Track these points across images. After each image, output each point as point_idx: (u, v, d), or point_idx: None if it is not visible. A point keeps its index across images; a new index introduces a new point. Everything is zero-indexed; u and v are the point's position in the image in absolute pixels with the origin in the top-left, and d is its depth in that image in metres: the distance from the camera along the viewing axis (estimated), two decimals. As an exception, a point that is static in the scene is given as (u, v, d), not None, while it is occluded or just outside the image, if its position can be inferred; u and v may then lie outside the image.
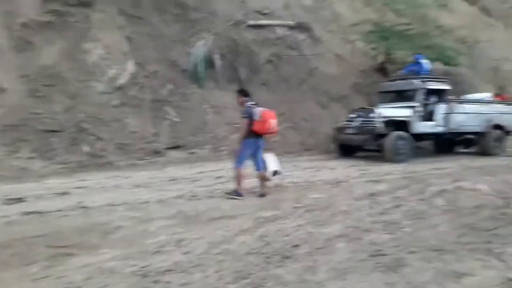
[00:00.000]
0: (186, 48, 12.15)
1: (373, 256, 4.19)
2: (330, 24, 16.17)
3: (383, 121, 10.05)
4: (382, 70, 15.03)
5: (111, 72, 10.91)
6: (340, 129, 11.05)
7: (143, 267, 3.99)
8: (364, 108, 11.19)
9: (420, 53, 12.87)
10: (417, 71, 12.16)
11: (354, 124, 10.64)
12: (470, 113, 11.52)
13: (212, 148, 10.42)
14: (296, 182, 7.34)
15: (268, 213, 5.71)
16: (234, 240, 4.73)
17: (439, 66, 15.30)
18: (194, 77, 11.96)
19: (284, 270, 3.88)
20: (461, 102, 11.65)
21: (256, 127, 6.29)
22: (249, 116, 6.27)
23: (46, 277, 3.85)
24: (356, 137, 10.52)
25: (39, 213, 5.26)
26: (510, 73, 16.83)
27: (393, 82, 11.80)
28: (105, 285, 3.63)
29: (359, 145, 10.72)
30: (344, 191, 6.83)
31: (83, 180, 7.56)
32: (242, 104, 6.51)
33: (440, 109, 11.04)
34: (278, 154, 11.04)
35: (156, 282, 3.66)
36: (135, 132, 10.24)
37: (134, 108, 10.70)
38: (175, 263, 4.06)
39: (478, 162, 10.10)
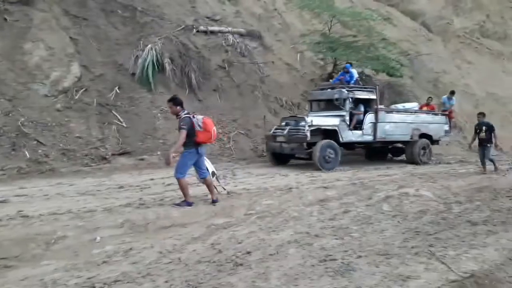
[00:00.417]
0: (134, 52, 11.87)
1: (323, 261, 4.27)
2: (280, 34, 16.46)
3: (311, 129, 10.07)
4: (330, 79, 15.45)
5: (55, 74, 10.44)
6: (271, 137, 10.92)
7: (88, 278, 3.82)
8: (295, 116, 11.23)
9: (350, 63, 13.31)
10: (346, 80, 12.52)
11: (283, 132, 10.48)
12: (398, 122, 11.76)
13: (162, 155, 10.20)
14: (248, 189, 7.34)
15: (220, 220, 5.67)
16: (185, 249, 4.65)
17: (384, 77, 16.03)
18: (143, 81, 11.69)
19: (236, 278, 3.86)
20: (389, 112, 11.90)
21: (201, 138, 6.07)
22: (189, 127, 5.96)
23: (-19, 292, 3.59)
24: (285, 146, 10.42)
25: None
26: (448, 85, 17.89)
27: (323, 91, 11.88)
28: (48, 299, 3.43)
29: (289, 153, 10.66)
30: (295, 197, 6.92)
31: (24, 188, 7.13)
32: (176, 114, 6.12)
33: (368, 118, 11.14)
34: (230, 161, 11.11)
35: (103, 294, 3.51)
36: (80, 137, 9.83)
37: (79, 112, 10.29)
38: (123, 274, 3.91)
39: (421, 169, 10.62)
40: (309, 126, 10.09)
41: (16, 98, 9.59)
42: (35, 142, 9.13)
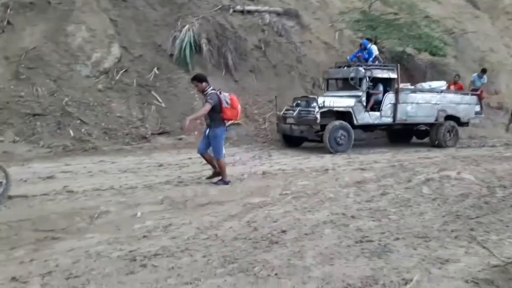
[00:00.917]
0: (171, 32, 11.98)
1: (359, 242, 4.24)
2: (318, 12, 16.11)
3: (322, 111, 9.59)
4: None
5: (96, 55, 10.73)
6: (281, 119, 10.50)
7: (130, 251, 3.98)
8: (307, 96, 10.66)
9: (370, 39, 12.41)
10: (364, 58, 11.57)
11: (293, 114, 10.04)
12: (421, 103, 11.01)
13: (199, 134, 10.35)
14: (283, 170, 7.36)
15: (256, 200, 5.73)
16: (222, 226, 4.74)
17: (426, 56, 15.44)
18: (181, 62, 11.82)
19: (272, 255, 3.91)
20: (411, 92, 11.13)
21: (228, 114, 6.03)
22: (217, 103, 5.94)
23: (32, 260, 3.82)
24: (295, 128, 10.03)
25: (24, 197, 5.17)
26: (495, 64, 17.05)
27: (339, 69, 11.18)
28: (92, 268, 3.61)
29: (299, 136, 10.20)
30: (331, 178, 6.88)
31: (69, 165, 7.46)
32: (203, 91, 6.10)
33: (387, 99, 10.48)
34: (266, 142, 11.13)
35: (143, 266, 3.65)
36: (121, 117, 10.12)
37: (120, 93, 10.56)
38: (162, 248, 4.05)
39: (464, 152, 10.26)
40: (320, 107, 9.62)
41: (60, 79, 9.95)
42: (78, 121, 9.48)
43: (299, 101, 10.27)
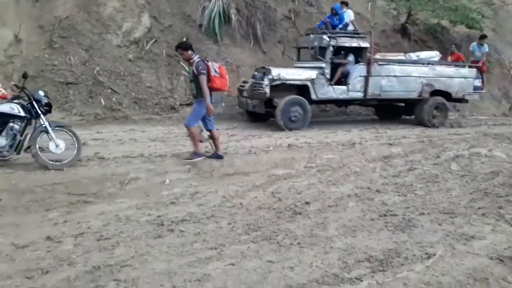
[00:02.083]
0: (201, 2, 11.88)
1: (383, 216, 4.26)
2: (351, -19, 15.57)
3: (274, 84, 8.55)
4: (403, 31, 14.56)
5: (126, 25, 10.79)
6: (239, 91, 9.53)
7: (158, 216, 4.13)
8: (264, 67, 9.43)
9: (345, 2, 10.82)
10: (334, 24, 10.22)
11: (247, 86, 9.11)
12: (400, 76, 9.64)
13: (227, 106, 10.40)
14: (309, 143, 7.34)
15: (280, 171, 5.78)
16: (247, 195, 4.84)
17: (462, 29, 14.81)
18: (209, 32, 11.76)
19: (295, 225, 3.98)
20: (387, 63, 9.71)
21: (217, 84, 5.71)
22: (205, 72, 5.62)
23: (65, 222, 4.02)
24: (250, 102, 9.12)
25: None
26: (537, 38, 16.20)
27: (306, 37, 9.95)
28: (122, 231, 3.78)
29: (252, 110, 9.28)
30: (357, 152, 6.83)
31: (100, 133, 7.68)
32: (189, 59, 5.76)
33: (357, 71, 9.29)
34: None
35: (171, 230, 3.80)
36: (150, 87, 10.25)
37: (150, 63, 10.65)
38: (189, 214, 4.19)
39: (497, 129, 9.93)
40: (272, 80, 8.55)
41: (92, 48, 10.10)
42: (109, 90, 9.66)
43: (257, 73, 9.27)
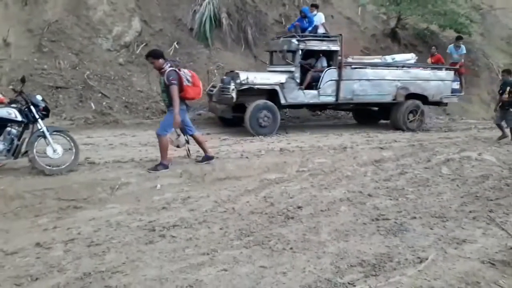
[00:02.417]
0: (192, 6, 11.88)
1: (375, 220, 4.27)
2: (341, -14, 15.69)
3: (242, 89, 8.32)
4: (393, 35, 14.70)
5: (117, 29, 10.74)
6: (209, 96, 9.39)
7: (149, 222, 4.10)
8: (232, 71, 9.21)
9: (315, 5, 10.71)
10: (304, 27, 9.88)
11: (215, 91, 8.97)
12: (374, 79, 9.39)
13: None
14: (301, 147, 7.35)
15: (272, 176, 5.78)
16: (239, 200, 4.82)
17: (451, 33, 14.98)
18: (200, 36, 11.76)
19: (287, 230, 3.97)
20: (359, 67, 9.50)
21: (190, 93, 5.57)
22: (176, 82, 5.42)
23: (55, 227, 3.97)
24: (218, 106, 8.99)
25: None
26: (524, 43, 16.45)
27: (277, 41, 9.80)
28: (113, 237, 3.74)
29: (221, 116, 9.17)
30: (349, 156, 6.84)
31: (90, 137, 7.60)
32: (160, 68, 5.54)
33: (327, 75, 9.03)
34: (284, 119, 11.06)
35: (162, 236, 3.77)
36: (141, 91, 10.19)
37: (140, 67, 10.61)
38: (181, 219, 4.16)
39: (486, 133, 10.03)
40: (240, 84, 8.34)
41: (82, 52, 10.03)
42: (100, 94, 9.60)
43: (226, 77, 9.06)
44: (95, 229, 3.93)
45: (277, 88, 8.70)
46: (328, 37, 9.47)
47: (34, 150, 5.15)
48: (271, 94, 8.75)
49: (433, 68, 10.47)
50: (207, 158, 6.01)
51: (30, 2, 9.87)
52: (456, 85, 10.38)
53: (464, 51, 11.85)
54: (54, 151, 5.26)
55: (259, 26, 12.61)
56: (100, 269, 3.13)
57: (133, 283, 2.94)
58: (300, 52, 8.83)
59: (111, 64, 10.27)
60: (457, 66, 11.06)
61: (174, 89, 5.40)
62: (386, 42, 14.40)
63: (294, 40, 8.93)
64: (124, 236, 3.75)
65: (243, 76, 8.47)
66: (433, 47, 12.12)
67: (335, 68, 9.11)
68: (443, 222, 4.22)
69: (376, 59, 10.50)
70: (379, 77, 9.49)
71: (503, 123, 8.63)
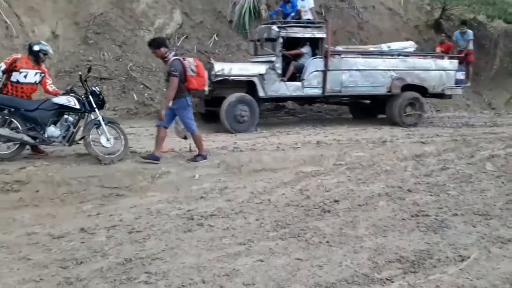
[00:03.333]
0: (231, -1, 11.93)
1: (414, 216, 4.18)
2: (384, -24, 15.26)
3: (213, 81, 7.66)
4: (437, 26, 14.17)
5: (158, 21, 10.94)
6: None
7: (188, 210, 4.20)
8: (209, 62, 8.52)
9: None
10: (286, 13, 9.06)
11: None
12: (365, 69, 8.63)
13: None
14: (338, 140, 7.25)
15: (309, 169, 5.76)
16: (275, 192, 4.85)
17: (500, 24, 14.28)
18: (240, 28, 11.78)
19: (324, 223, 3.95)
20: (349, 56, 8.69)
21: (194, 84, 5.33)
22: (181, 71, 5.26)
23: (99, 214, 4.13)
24: (193, 100, 8.00)
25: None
26: None
27: (258, 28, 9.11)
28: (153, 225, 3.86)
29: (196, 110, 7.88)
30: (388, 151, 6.69)
31: (133, 127, 7.84)
32: (163, 57, 5.39)
33: (312, 65, 8.29)
34: (321, 111, 10.97)
35: (200, 225, 3.85)
36: (181, 82, 10.37)
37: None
38: (218, 209, 4.23)
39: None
40: (215, 75, 7.69)
41: (125, 44, 10.29)
42: (141, 86, 9.83)
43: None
44: (136, 216, 4.07)
45: (255, 80, 7.96)
46: (313, 23, 8.68)
47: (90, 137, 5.36)
48: (251, 86, 8.06)
49: (434, 57, 9.67)
50: (202, 157, 5.63)
51: (77, -5, 10.21)
52: (461, 75, 9.51)
53: (471, 37, 10.85)
54: (108, 140, 5.46)
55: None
56: (141, 256, 3.24)
57: (172, 270, 3.02)
58: (281, 40, 8.06)
59: (152, 56, 10.29)
60: (463, 54, 10.33)
61: (174, 81, 5.22)
62: (430, 34, 13.91)
63: (274, 27, 8.20)
64: (163, 224, 3.86)
65: (218, 67, 7.85)
66: (442, 35, 11.27)
67: (320, 58, 8.37)
68: (487, 220, 4.06)
69: (372, 48, 9.82)
70: (371, 67, 8.74)
71: None
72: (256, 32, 9.29)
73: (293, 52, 8.40)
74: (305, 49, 8.46)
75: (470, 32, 10.90)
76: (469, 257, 3.26)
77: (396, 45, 9.68)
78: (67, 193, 4.60)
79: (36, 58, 5.50)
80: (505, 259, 3.27)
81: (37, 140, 5.36)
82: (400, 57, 9.09)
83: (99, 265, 3.10)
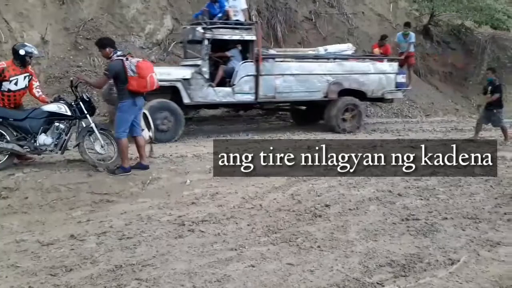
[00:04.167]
0: (223, 4, 11.97)
1: (405, 220, 4.20)
2: (373, -18, 15.45)
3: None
4: (425, 32, 14.37)
5: (149, 27, 10.94)
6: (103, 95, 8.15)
7: (179, 216, 4.18)
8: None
9: None
10: (213, 13, 8.28)
11: (104, 88, 7.29)
12: (300, 74, 8.21)
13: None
14: (330, 145, 7.28)
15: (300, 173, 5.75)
16: (266, 197, 4.85)
17: (487, 30, 14.52)
18: (231, 34, 11.83)
19: (315, 228, 3.96)
20: (282, 60, 8.32)
21: (133, 85, 5.04)
22: (120, 72, 5.04)
23: (89, 220, 4.10)
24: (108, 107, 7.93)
25: (82, 161, 5.49)
26: None
27: (182, 30, 8.75)
28: (143, 231, 3.83)
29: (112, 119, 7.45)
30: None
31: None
32: (109, 57, 5.24)
33: (242, 69, 7.81)
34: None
35: (191, 231, 3.83)
36: (171, 88, 10.35)
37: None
38: (209, 215, 4.22)
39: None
40: None
41: (115, 50, 10.28)
42: (131, 91, 9.81)
43: None
44: (127, 222, 4.04)
45: (179, 85, 7.38)
46: (242, 24, 8.14)
47: (84, 144, 5.33)
48: (177, 92, 7.52)
49: (372, 60, 9.30)
50: (141, 167, 5.43)
51: (67, 1, 10.16)
52: (401, 79, 9.16)
53: (413, 40, 10.59)
54: (102, 146, 5.42)
55: (288, 23, 12.57)
56: (131, 262, 3.21)
57: (163, 276, 3.01)
58: (206, 42, 7.51)
59: (142, 62, 10.47)
60: (403, 57, 10.08)
61: (101, 78, 5.34)
62: (418, 39, 14.05)
63: (199, 28, 7.68)
64: (154, 230, 3.84)
65: None
66: (382, 35, 10.67)
67: (251, 61, 7.88)
68: (476, 224, 4.10)
69: (310, 51, 9.49)
70: (307, 72, 8.35)
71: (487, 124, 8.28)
72: (181, 34, 8.86)
73: (218, 54, 7.98)
74: (232, 52, 8.00)
75: (412, 34, 10.65)
76: (458, 261, 3.29)
77: (333, 48, 9.40)
78: (56, 199, 4.56)
79: (23, 62, 5.35)
80: (494, 262, 3.31)
81: (28, 149, 5.29)
82: (337, 60, 8.76)
83: (89, 272, 3.07)
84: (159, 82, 6.52)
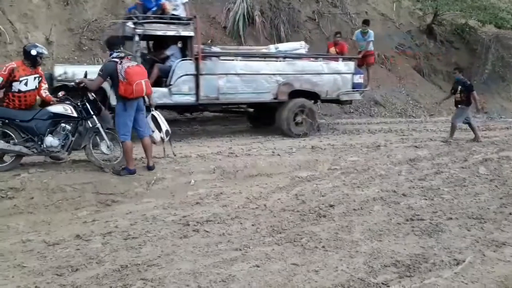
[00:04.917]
0: (226, 4, 11.98)
1: (409, 220, 4.21)
2: (376, -19, 15.41)
3: (56, 86, 6.47)
4: (429, 31, 14.32)
5: (153, 27, 10.96)
6: None
7: (184, 216, 4.20)
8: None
9: None
10: (148, 7, 7.47)
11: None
12: (246, 74, 7.57)
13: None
14: (333, 145, 7.28)
15: (304, 173, 5.77)
16: (271, 197, 4.86)
17: (491, 29, 14.46)
18: (234, 34, 11.83)
19: (319, 228, 3.97)
20: (226, 58, 7.66)
21: (121, 90, 5.00)
22: (112, 75, 5.02)
23: (94, 220, 4.12)
24: None
25: (87, 161, 5.51)
26: None
27: (111, 25, 8.15)
28: (148, 231, 3.85)
29: None
30: (382, 155, 6.74)
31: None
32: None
33: (180, 68, 7.13)
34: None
35: (196, 231, 3.85)
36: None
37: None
38: (214, 215, 4.24)
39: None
40: (56, 81, 6.60)
41: (119, 50, 10.30)
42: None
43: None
44: (132, 222, 4.06)
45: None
46: (179, 19, 7.41)
47: (91, 145, 5.32)
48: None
49: (325, 59, 8.59)
50: (148, 167, 5.40)
51: (71, 2, 10.19)
52: (359, 79, 8.51)
53: (372, 38, 9.83)
54: (108, 147, 5.43)
55: (292, 23, 12.55)
56: (136, 262, 3.23)
57: (168, 276, 3.02)
58: (137, 38, 6.86)
59: (146, 62, 10.49)
60: (360, 55, 9.52)
61: (96, 79, 5.18)
62: (422, 39, 14.05)
63: (129, 23, 7.14)
64: (159, 230, 3.86)
65: (59, 70, 6.75)
66: (337, 34, 9.79)
67: (190, 60, 7.20)
68: (481, 224, 4.10)
69: (264, 50, 8.82)
70: (254, 71, 7.69)
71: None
72: (111, 29, 8.23)
73: (155, 53, 7.53)
74: (171, 50, 7.40)
75: (371, 32, 9.90)
76: (464, 261, 3.29)
77: (285, 46, 8.82)
78: (62, 199, 4.57)
79: (34, 62, 5.33)
80: (500, 263, 3.30)
81: (35, 151, 5.30)
82: (287, 59, 8.05)
83: (94, 272, 3.09)
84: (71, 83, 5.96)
